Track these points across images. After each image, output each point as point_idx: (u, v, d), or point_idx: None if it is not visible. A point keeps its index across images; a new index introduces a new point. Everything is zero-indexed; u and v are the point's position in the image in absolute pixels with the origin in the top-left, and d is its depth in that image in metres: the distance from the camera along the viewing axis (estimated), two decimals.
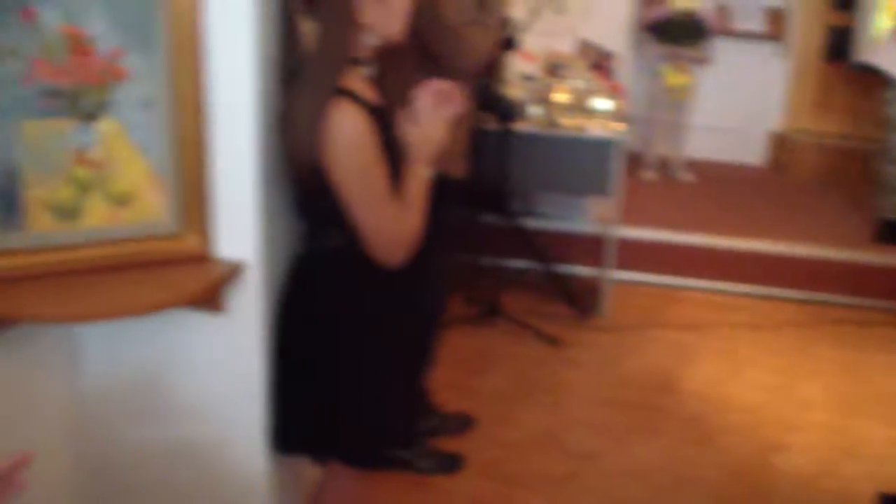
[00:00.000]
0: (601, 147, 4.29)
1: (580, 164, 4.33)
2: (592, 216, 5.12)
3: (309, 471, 2.58)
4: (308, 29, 2.02)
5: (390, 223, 2.08)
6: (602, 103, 4.39)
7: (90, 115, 1.95)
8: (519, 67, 4.66)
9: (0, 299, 1.90)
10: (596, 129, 4.29)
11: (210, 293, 2.08)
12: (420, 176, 2.09)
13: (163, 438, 2.32)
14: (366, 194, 2.05)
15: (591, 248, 4.82)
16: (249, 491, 2.33)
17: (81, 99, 1.93)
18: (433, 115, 2.09)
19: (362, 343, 2.19)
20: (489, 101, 4.02)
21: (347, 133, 1.99)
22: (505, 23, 3.56)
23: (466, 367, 3.98)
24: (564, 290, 4.67)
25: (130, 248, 2.04)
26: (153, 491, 2.37)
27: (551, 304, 4.66)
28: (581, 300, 4.65)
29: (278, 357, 2.25)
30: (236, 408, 2.26)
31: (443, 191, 2.31)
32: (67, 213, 1.97)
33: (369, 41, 2.08)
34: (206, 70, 2.02)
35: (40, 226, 1.96)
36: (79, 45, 1.91)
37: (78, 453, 2.32)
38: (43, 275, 1.97)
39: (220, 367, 2.23)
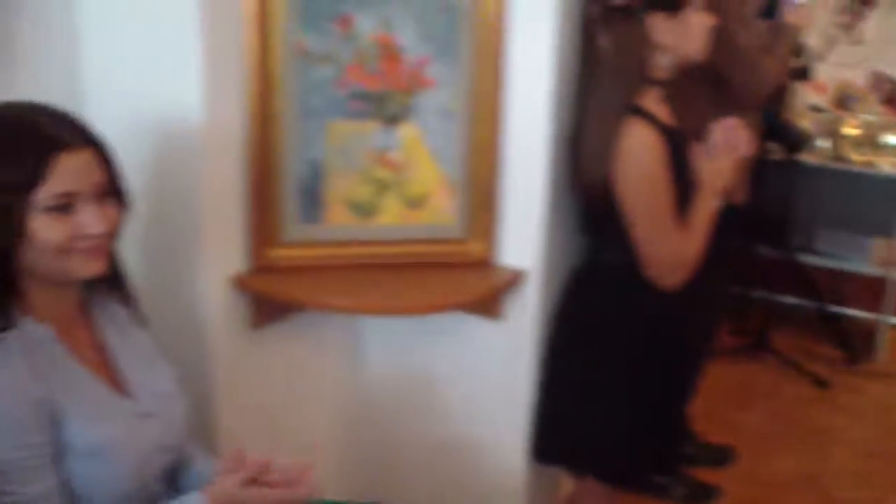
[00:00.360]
0: (891, 185, 4.05)
1: (867, 201, 4.13)
2: (874, 257, 4.83)
3: (563, 482, 2.58)
4: (605, 44, 2.03)
5: (672, 244, 2.05)
6: (895, 139, 4.14)
7: (393, 119, 2.04)
8: (807, 98, 4.48)
9: (296, 286, 2.03)
10: (886, 166, 4.06)
11: (490, 299, 2.13)
12: (708, 205, 2.07)
13: (428, 433, 2.40)
14: (651, 213, 2.03)
15: (870, 290, 4.55)
16: (505, 495, 2.36)
17: (387, 103, 2.03)
18: (726, 152, 2.08)
19: (628, 361, 2.18)
20: (775, 130, 3.89)
21: (639, 151, 1.99)
22: (799, 51, 3.44)
23: (728, 400, 3.86)
24: (837, 332, 4.44)
25: (419, 249, 2.12)
26: (412, 483, 2.46)
27: (821, 344, 4.44)
28: (854, 343, 4.40)
29: (545, 368, 2.27)
30: (502, 413, 2.30)
31: (725, 218, 2.26)
32: (364, 210, 2.08)
33: (665, 61, 2.06)
34: (505, 81, 2.07)
35: (338, 220, 2.07)
36: (390, 53, 2.01)
37: (349, 439, 2.42)
38: (337, 267, 2.09)
39: (491, 372, 2.27)
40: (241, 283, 2.03)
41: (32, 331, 1.50)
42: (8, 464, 1.41)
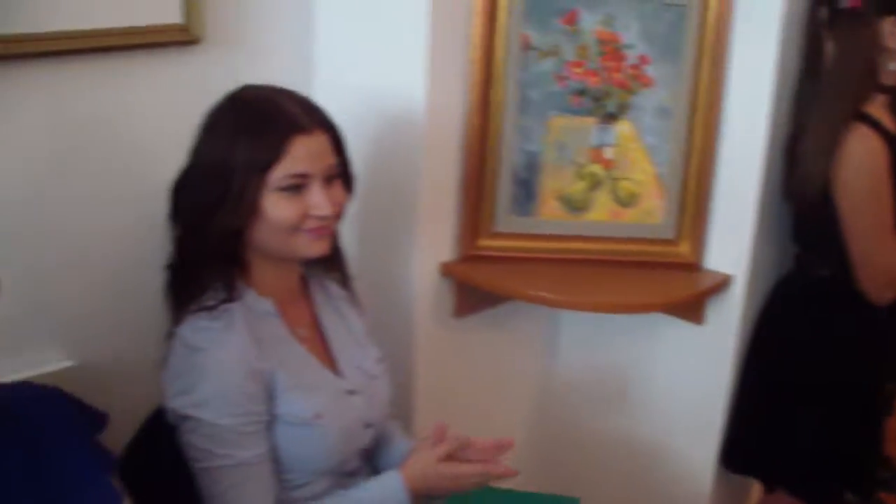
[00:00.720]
0: None
1: None
2: None
3: (752, 492, 2.53)
4: (831, 48, 1.98)
5: (889, 257, 1.99)
6: None
7: (611, 117, 2.04)
8: None
9: (503, 276, 2.05)
10: None
11: (694, 303, 2.11)
12: None
13: (617, 431, 2.40)
14: (870, 224, 1.98)
15: None
16: (691, 499, 2.34)
17: (606, 100, 2.03)
18: None
19: (829, 376, 2.12)
20: None
21: (863, 158, 1.93)
22: None
23: None
24: None
25: (627, 248, 2.11)
26: (596, 479, 2.46)
27: None
28: None
29: (743, 376, 2.23)
30: (695, 418, 2.27)
31: None
32: (576, 205, 2.08)
33: (894, 67, 2.00)
34: (725, 83, 2.04)
35: (549, 214, 2.09)
36: (612, 50, 2.00)
37: (538, 431, 2.44)
38: (543, 260, 2.10)
39: (689, 376, 2.24)
40: (449, 271, 2.06)
41: (255, 303, 1.56)
42: (225, 428, 1.47)
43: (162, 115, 1.84)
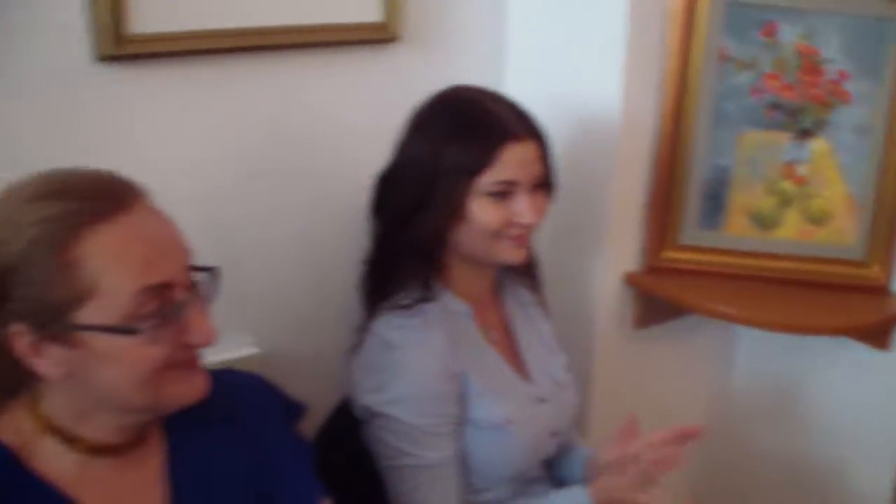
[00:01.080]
0: None
1: None
2: None
3: None
4: None
5: None
6: None
7: (805, 133, 2.00)
8: None
9: (686, 289, 2.03)
10: None
11: (881, 328, 2.04)
12: None
13: (788, 454, 2.34)
14: None
15: None
16: None
17: (801, 116, 1.99)
18: None
19: None
20: None
21: None
22: None
23: None
24: None
25: (814, 267, 2.06)
26: (765, 498, 2.41)
27: None
28: None
29: None
30: (872, 445, 2.20)
31: None
32: (765, 222, 2.04)
33: None
34: None
35: (737, 230, 2.05)
36: (811, 64, 1.96)
37: (711, 446, 2.40)
38: (727, 275, 2.06)
39: (867, 401, 2.18)
40: (632, 281, 2.05)
41: (451, 305, 1.57)
42: (417, 428, 1.48)
43: (358, 112, 1.88)
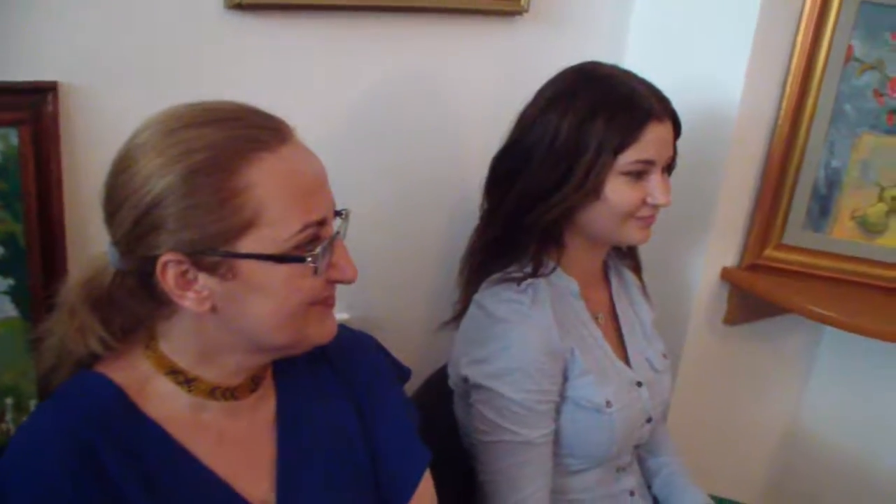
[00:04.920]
0: None
1: None
2: None
3: None
4: None
5: None
6: None
7: None
8: None
9: (785, 289, 1.99)
10: None
11: None
12: None
13: (872, 463, 2.32)
14: None
15: None
16: None
17: None
18: None
19: None
20: None
21: None
22: None
23: None
24: None
25: None
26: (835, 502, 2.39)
27: None
28: None
29: None
30: None
31: None
32: (872, 228, 2.01)
33: None
34: None
35: (842, 234, 2.02)
36: None
37: (788, 448, 2.41)
38: (827, 278, 2.03)
39: None
40: (730, 276, 2.02)
41: (560, 282, 1.54)
42: (518, 404, 1.45)
43: (479, 83, 1.85)
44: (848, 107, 1.94)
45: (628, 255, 1.74)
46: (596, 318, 1.60)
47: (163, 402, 1.06)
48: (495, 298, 1.51)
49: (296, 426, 1.16)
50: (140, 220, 0.97)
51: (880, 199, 1.99)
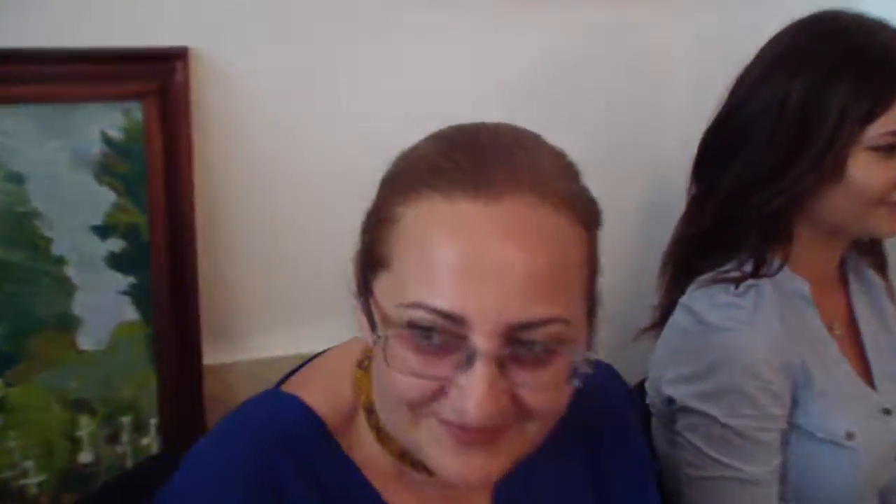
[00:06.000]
0: None
1: None
2: None
3: None
4: None
5: None
6: None
7: None
8: None
9: None
10: None
11: None
12: None
13: None
14: None
15: None
16: None
17: None
18: None
19: None
20: None
21: None
22: None
23: None
24: None
25: None
26: None
27: None
28: None
29: None
30: None
31: None
32: None
33: None
34: None
35: None
36: None
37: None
38: None
39: None
40: None
41: (788, 283, 1.35)
42: (737, 432, 1.26)
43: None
44: None
45: (870, 251, 1.52)
46: (831, 329, 1.39)
47: (368, 444, 0.86)
48: (709, 303, 1.33)
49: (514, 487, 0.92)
50: None
51: None
